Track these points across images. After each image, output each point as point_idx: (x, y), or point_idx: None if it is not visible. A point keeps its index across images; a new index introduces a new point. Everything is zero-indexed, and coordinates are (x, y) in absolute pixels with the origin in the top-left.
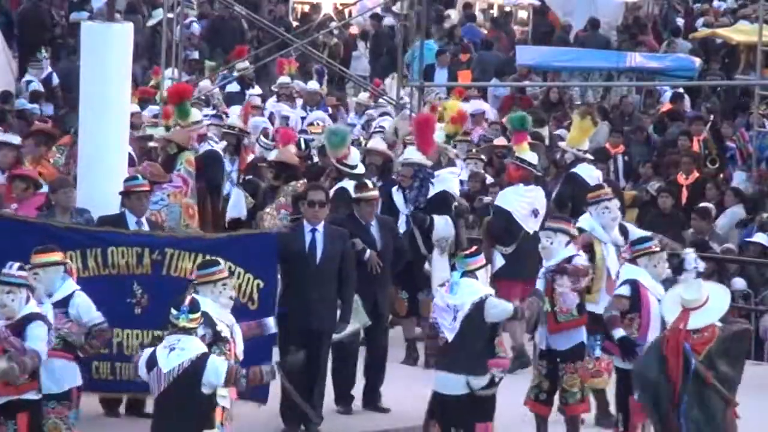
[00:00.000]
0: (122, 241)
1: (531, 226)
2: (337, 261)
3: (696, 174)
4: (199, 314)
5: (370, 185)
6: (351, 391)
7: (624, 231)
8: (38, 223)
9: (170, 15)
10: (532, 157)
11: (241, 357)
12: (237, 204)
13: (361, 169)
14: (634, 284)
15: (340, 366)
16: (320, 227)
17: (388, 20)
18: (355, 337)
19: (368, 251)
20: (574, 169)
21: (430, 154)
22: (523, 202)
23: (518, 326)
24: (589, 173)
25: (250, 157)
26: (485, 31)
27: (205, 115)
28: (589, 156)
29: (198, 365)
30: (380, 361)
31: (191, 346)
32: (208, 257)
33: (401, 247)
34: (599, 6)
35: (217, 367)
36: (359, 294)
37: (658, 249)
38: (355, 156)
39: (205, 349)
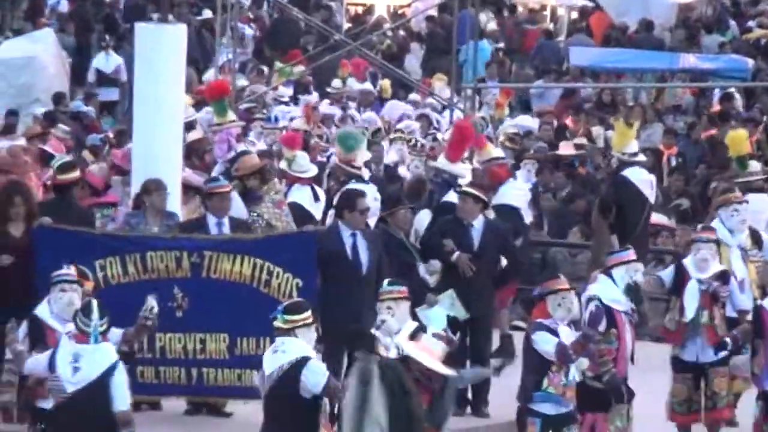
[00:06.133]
0: (160, 245)
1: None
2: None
3: None
4: (298, 316)
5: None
6: None
7: (757, 237)
8: (75, 231)
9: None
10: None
11: None
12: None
13: (367, 173)
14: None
15: None
16: (360, 233)
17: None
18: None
19: (456, 253)
20: (623, 173)
21: (457, 162)
22: None
23: None
24: (640, 177)
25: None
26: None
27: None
28: (638, 159)
29: (296, 368)
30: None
31: (292, 348)
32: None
33: (512, 253)
34: (652, 7)
35: (316, 374)
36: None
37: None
38: (362, 158)
39: (307, 353)
